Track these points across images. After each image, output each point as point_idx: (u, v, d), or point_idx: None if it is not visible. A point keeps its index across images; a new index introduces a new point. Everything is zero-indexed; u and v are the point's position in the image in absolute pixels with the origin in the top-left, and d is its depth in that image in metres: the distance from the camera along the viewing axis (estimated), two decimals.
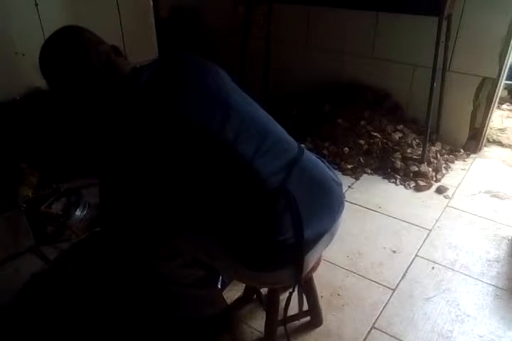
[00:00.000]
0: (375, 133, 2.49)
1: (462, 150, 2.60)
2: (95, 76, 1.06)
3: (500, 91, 2.51)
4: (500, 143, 2.71)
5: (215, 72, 1.15)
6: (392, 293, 1.66)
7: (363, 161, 2.46)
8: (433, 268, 1.78)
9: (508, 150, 2.66)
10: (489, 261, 1.82)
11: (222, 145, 1.04)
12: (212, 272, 1.37)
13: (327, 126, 2.61)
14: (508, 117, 2.89)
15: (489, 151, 2.65)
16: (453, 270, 1.77)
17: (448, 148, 2.60)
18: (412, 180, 2.34)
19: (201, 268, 1.29)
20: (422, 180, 2.31)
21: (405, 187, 2.33)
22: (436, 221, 2.06)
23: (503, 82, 2.45)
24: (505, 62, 2.30)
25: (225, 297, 1.51)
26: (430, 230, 2.00)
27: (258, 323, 1.52)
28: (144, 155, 1.05)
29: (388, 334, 1.50)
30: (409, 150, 2.42)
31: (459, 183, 2.35)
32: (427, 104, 2.25)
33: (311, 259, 1.17)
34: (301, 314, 1.39)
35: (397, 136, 2.49)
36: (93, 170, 1.61)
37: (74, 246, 1.78)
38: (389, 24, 2.49)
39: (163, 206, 1.12)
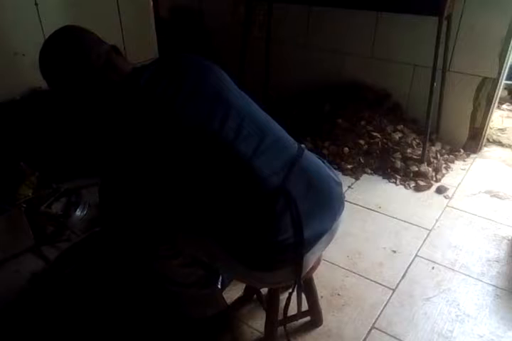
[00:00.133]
0: (375, 133, 2.49)
1: (462, 150, 2.60)
2: (95, 76, 1.07)
3: (500, 91, 2.51)
4: (500, 143, 2.71)
5: (216, 71, 1.16)
6: (392, 293, 1.66)
7: (363, 161, 2.46)
8: (433, 268, 1.78)
9: (508, 150, 2.66)
10: (489, 261, 1.82)
11: (222, 145, 1.04)
12: (212, 272, 1.37)
13: (327, 126, 2.61)
14: (508, 117, 2.88)
15: (489, 151, 2.65)
16: (453, 270, 1.77)
17: (448, 148, 2.60)
18: (412, 180, 2.34)
19: (201, 267, 1.29)
20: (422, 180, 2.31)
21: (405, 187, 2.33)
22: (436, 221, 2.06)
23: (503, 82, 2.45)
24: (505, 62, 2.30)
25: (225, 297, 1.50)
26: (430, 230, 2.00)
27: (258, 323, 1.52)
28: (144, 154, 1.05)
29: (388, 334, 1.50)
30: (409, 150, 2.42)
31: (459, 183, 2.35)
32: (427, 104, 2.25)
33: (310, 259, 1.17)
34: (300, 314, 1.38)
35: (397, 136, 2.48)
36: (93, 170, 1.61)
37: (74, 246, 1.78)
38: (389, 24, 2.49)
39: (163, 206, 1.12)
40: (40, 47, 1.09)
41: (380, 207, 2.16)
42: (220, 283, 1.59)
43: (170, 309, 1.41)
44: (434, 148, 2.51)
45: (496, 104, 2.54)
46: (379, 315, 1.57)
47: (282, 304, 1.30)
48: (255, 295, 1.59)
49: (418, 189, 2.29)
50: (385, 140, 2.48)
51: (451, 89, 2.48)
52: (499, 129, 2.77)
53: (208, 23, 3.24)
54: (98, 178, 1.26)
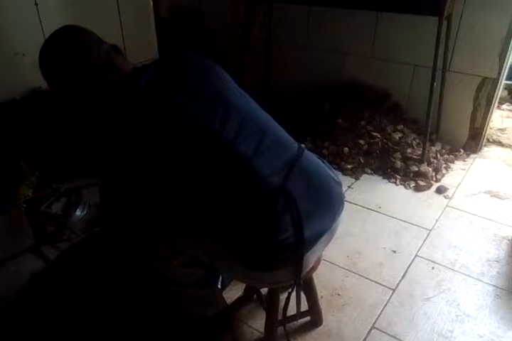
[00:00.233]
0: (375, 133, 2.49)
1: (462, 150, 2.60)
2: (95, 76, 1.07)
3: (500, 91, 2.51)
4: (500, 143, 2.71)
5: (217, 71, 1.15)
6: (392, 293, 1.66)
7: (363, 161, 2.46)
8: (433, 268, 1.78)
9: (508, 150, 2.66)
10: (489, 261, 1.82)
11: (222, 145, 1.04)
12: (212, 272, 1.37)
13: (327, 126, 2.61)
14: (508, 117, 2.89)
15: (489, 151, 2.65)
16: (453, 270, 1.77)
17: (448, 148, 2.60)
18: (412, 180, 2.34)
19: (201, 267, 1.29)
20: (422, 180, 2.31)
21: (405, 187, 2.33)
22: (436, 221, 2.06)
23: (503, 82, 2.45)
24: (505, 62, 2.30)
25: (225, 297, 1.50)
26: (430, 230, 2.00)
27: (258, 323, 1.52)
28: (144, 154, 1.05)
29: (388, 334, 1.50)
30: (409, 150, 2.42)
31: (459, 183, 2.35)
32: (427, 104, 2.25)
33: (311, 258, 1.17)
34: (299, 314, 1.38)
35: (397, 136, 2.48)
36: (94, 170, 1.61)
37: (74, 246, 1.78)
38: (389, 24, 2.49)
39: (163, 205, 1.12)
40: (40, 47, 1.09)
41: (380, 207, 2.16)
42: (220, 283, 1.59)
43: (170, 309, 1.41)
44: (434, 148, 2.51)
45: (496, 104, 2.54)
46: (379, 315, 1.57)
47: (282, 304, 1.30)
48: (255, 295, 1.59)
49: (418, 189, 2.29)
50: (385, 140, 2.48)
51: (451, 89, 2.48)
52: (499, 129, 2.77)
53: (208, 23, 3.24)
54: (98, 178, 1.26)
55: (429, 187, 2.30)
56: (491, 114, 2.51)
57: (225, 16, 3.10)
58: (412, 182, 2.33)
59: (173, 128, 1.03)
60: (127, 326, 1.50)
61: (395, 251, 1.87)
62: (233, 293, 1.63)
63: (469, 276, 1.74)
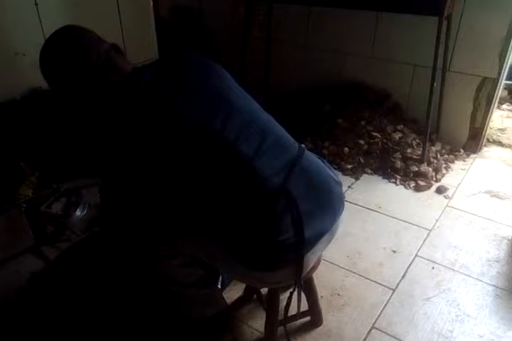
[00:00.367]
0: (375, 133, 2.49)
1: (462, 150, 2.60)
2: (95, 75, 1.06)
3: (500, 91, 2.51)
4: (500, 143, 2.71)
5: (219, 72, 1.15)
6: (392, 293, 1.66)
7: (363, 161, 2.46)
8: (433, 268, 1.78)
9: (508, 150, 2.66)
10: (489, 261, 1.82)
11: (223, 145, 1.04)
12: (212, 272, 1.37)
13: (327, 126, 2.61)
14: (508, 117, 2.89)
15: (489, 151, 2.65)
16: (453, 270, 1.77)
17: (448, 148, 2.60)
18: (412, 180, 2.34)
19: (201, 267, 1.29)
20: (422, 180, 2.31)
21: (405, 187, 2.33)
22: (436, 221, 2.06)
23: (503, 82, 2.45)
24: (505, 62, 2.30)
25: (225, 297, 1.50)
26: (430, 230, 2.00)
27: (258, 323, 1.52)
28: (144, 155, 1.05)
29: (388, 334, 1.50)
30: (409, 150, 2.42)
31: (459, 183, 2.35)
32: (427, 104, 2.25)
33: (311, 259, 1.17)
34: (300, 314, 1.38)
35: (397, 136, 2.48)
36: (94, 170, 1.61)
37: (74, 246, 1.78)
38: (389, 24, 2.49)
39: (164, 206, 1.12)
40: (41, 47, 1.09)
41: (380, 207, 2.16)
42: (220, 283, 1.59)
43: (170, 309, 1.41)
44: (434, 148, 2.51)
45: (496, 104, 2.54)
46: (379, 315, 1.57)
47: (282, 304, 1.30)
48: (255, 295, 1.59)
49: (418, 189, 2.29)
50: (385, 140, 2.48)
51: (451, 89, 2.48)
52: (499, 129, 2.77)
53: (208, 23, 3.24)
54: (98, 178, 1.26)
55: (429, 187, 2.30)
56: (491, 114, 2.51)
57: (225, 16, 3.10)
58: (412, 182, 2.33)
59: (173, 128, 1.03)
60: (127, 326, 1.50)
61: (395, 251, 1.87)
62: (233, 293, 1.63)
63: (469, 276, 1.74)
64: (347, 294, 1.66)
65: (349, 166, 2.44)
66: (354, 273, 1.76)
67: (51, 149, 2.09)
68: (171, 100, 1.04)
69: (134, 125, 1.04)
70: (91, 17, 2.22)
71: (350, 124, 2.56)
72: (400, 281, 1.72)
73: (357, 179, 2.40)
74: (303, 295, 1.32)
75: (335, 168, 2.37)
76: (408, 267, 1.79)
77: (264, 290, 1.50)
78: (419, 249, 1.88)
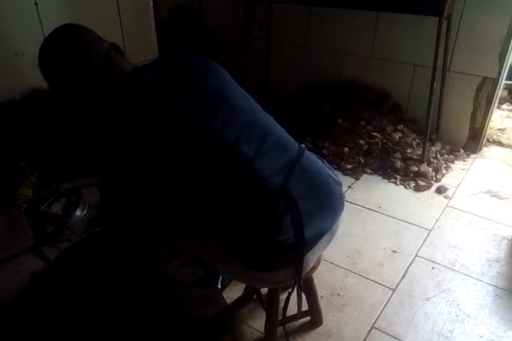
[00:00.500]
0: (375, 133, 2.49)
1: (462, 150, 2.60)
2: (94, 74, 1.06)
3: (500, 91, 2.51)
4: (500, 143, 2.71)
5: (218, 71, 1.15)
6: (392, 293, 1.66)
7: (363, 161, 2.46)
8: (433, 268, 1.78)
9: (508, 150, 2.66)
10: (489, 261, 1.82)
11: (223, 146, 1.04)
12: (212, 272, 1.37)
13: (327, 126, 2.61)
14: (508, 117, 2.89)
15: (489, 151, 2.65)
16: (453, 270, 1.77)
17: (448, 148, 2.60)
18: (412, 180, 2.34)
19: (201, 267, 1.29)
20: (422, 180, 2.31)
21: (405, 187, 2.33)
22: (436, 221, 2.06)
23: (503, 82, 2.45)
24: (505, 62, 2.30)
25: (225, 297, 1.50)
26: (430, 230, 2.00)
27: (258, 323, 1.52)
28: (144, 155, 1.05)
29: (388, 334, 1.50)
30: (409, 150, 2.42)
31: (459, 183, 2.35)
32: (427, 104, 2.25)
33: (311, 259, 1.17)
34: (300, 314, 1.39)
35: (397, 136, 2.48)
36: (94, 170, 1.61)
37: (74, 246, 1.78)
38: (389, 24, 2.49)
39: (164, 206, 1.12)
40: (40, 46, 1.09)
41: (380, 207, 2.16)
42: (220, 283, 1.59)
43: (170, 309, 1.41)
44: (434, 148, 2.51)
45: (496, 104, 2.54)
46: (379, 315, 1.57)
47: (282, 304, 1.30)
48: (255, 295, 1.59)
49: (418, 189, 2.29)
50: (385, 140, 2.48)
51: (451, 89, 2.48)
52: (499, 129, 2.77)
53: (208, 23, 3.24)
54: (98, 178, 1.26)
55: (429, 187, 2.30)
56: (491, 114, 2.51)
57: (225, 16, 3.10)
58: (412, 182, 2.33)
59: (173, 128, 1.03)
60: (127, 326, 1.50)
61: (395, 251, 1.87)
62: (233, 293, 1.63)
63: (469, 276, 1.74)
64: (347, 294, 1.66)
65: (349, 166, 2.44)
66: (354, 273, 1.76)
67: (51, 149, 2.09)
68: (171, 100, 1.04)
69: (134, 125, 1.04)
70: (91, 17, 2.21)
71: (350, 124, 2.56)
72: (400, 281, 1.72)
73: (357, 179, 2.40)
74: (303, 295, 1.32)
75: (335, 168, 2.37)
76: (408, 267, 1.79)
77: (264, 290, 1.50)
78: (419, 249, 1.88)
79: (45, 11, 2.09)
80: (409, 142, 2.46)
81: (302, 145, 1.21)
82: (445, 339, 1.48)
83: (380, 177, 2.41)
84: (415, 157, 2.40)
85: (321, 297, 1.57)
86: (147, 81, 1.06)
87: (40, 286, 1.66)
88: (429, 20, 2.12)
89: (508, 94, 3.05)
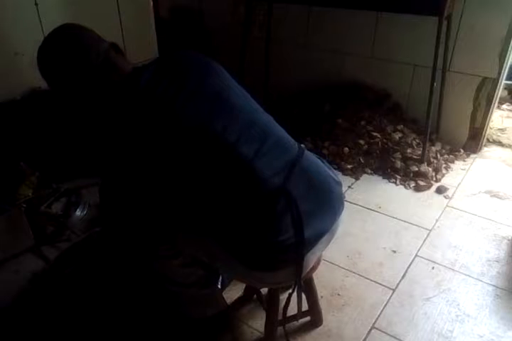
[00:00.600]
0: (375, 133, 2.49)
1: (462, 150, 2.60)
2: (94, 74, 1.06)
3: (500, 91, 2.51)
4: (500, 143, 2.71)
5: (217, 70, 1.15)
6: (392, 293, 1.66)
7: (363, 161, 2.46)
8: (433, 268, 1.78)
9: (508, 150, 2.66)
10: (489, 261, 1.82)
11: (224, 146, 1.04)
12: (212, 272, 1.37)
13: (327, 126, 2.61)
14: (508, 117, 2.88)
15: (489, 151, 2.65)
16: (453, 270, 1.77)
17: (448, 148, 2.60)
18: (412, 180, 2.34)
19: (201, 267, 1.29)
20: (422, 180, 2.31)
21: (405, 187, 2.33)
22: (436, 221, 2.06)
23: (503, 82, 2.45)
24: (505, 62, 2.30)
25: (225, 297, 1.50)
26: (430, 230, 2.00)
27: (258, 323, 1.52)
28: (144, 155, 1.05)
29: (388, 334, 1.50)
30: (409, 150, 2.42)
31: (459, 183, 2.35)
32: (427, 104, 2.25)
33: (311, 259, 1.17)
34: (300, 314, 1.38)
35: (397, 136, 2.48)
36: (94, 170, 1.61)
37: (74, 246, 1.78)
38: (389, 24, 2.49)
39: (164, 206, 1.12)
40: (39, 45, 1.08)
41: (380, 207, 2.16)
42: (220, 283, 1.59)
43: (170, 309, 1.41)
44: (434, 148, 2.51)
45: (496, 104, 2.54)
46: (379, 315, 1.57)
47: (282, 304, 1.30)
48: (255, 295, 1.59)
49: (418, 189, 2.29)
50: (385, 140, 2.48)
51: (451, 89, 2.48)
52: (499, 129, 2.77)
53: (208, 23, 3.24)
54: (98, 178, 1.26)
55: (429, 187, 2.30)
56: (491, 114, 2.51)
57: (225, 16, 3.10)
58: (412, 182, 2.33)
59: (173, 128, 1.03)
60: (127, 326, 1.49)
61: (395, 251, 1.87)
62: (233, 293, 1.63)
63: (469, 276, 1.74)
64: (347, 294, 1.66)
65: (349, 166, 2.44)
66: (354, 273, 1.76)
67: (51, 149, 2.09)
68: (171, 100, 1.04)
69: (133, 125, 1.04)
70: (91, 17, 2.21)
71: (350, 124, 2.56)
72: (400, 281, 1.72)
73: (357, 179, 2.40)
74: (303, 295, 1.32)
75: (335, 168, 2.38)
76: (408, 267, 1.79)
77: (264, 290, 1.50)
78: (419, 249, 1.88)
79: (45, 10, 2.09)
80: (409, 142, 2.46)
81: (302, 145, 1.21)
82: (445, 339, 1.48)
83: (380, 177, 2.41)
84: (415, 157, 2.40)
85: (321, 297, 1.57)
86: (147, 81, 1.06)
87: (40, 286, 1.66)
88: (429, 20, 2.12)
89: (508, 94, 3.05)
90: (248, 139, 1.07)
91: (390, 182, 2.37)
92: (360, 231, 1.99)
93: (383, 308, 1.60)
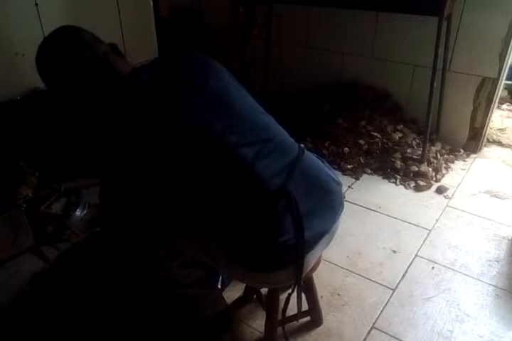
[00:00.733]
0: (375, 133, 2.49)
1: (462, 150, 2.60)
2: (90, 75, 1.05)
3: (500, 91, 2.51)
4: (500, 143, 2.71)
5: (218, 70, 1.15)
6: (392, 293, 1.66)
7: (363, 161, 2.46)
8: (433, 268, 1.78)
9: (508, 150, 2.66)
10: (489, 261, 1.82)
11: (224, 148, 1.04)
12: (212, 272, 1.37)
13: (327, 126, 2.61)
14: (508, 117, 2.88)
15: (489, 151, 2.65)
16: (453, 270, 1.77)
17: (448, 148, 2.60)
18: (412, 180, 2.34)
19: (201, 268, 1.29)
20: (422, 180, 2.31)
21: (405, 187, 2.33)
22: (437, 221, 2.06)
23: (503, 82, 2.45)
24: (505, 62, 2.30)
25: (225, 297, 1.50)
26: (430, 230, 2.00)
27: (258, 323, 1.52)
28: (144, 156, 1.05)
29: (388, 334, 1.50)
30: (409, 150, 2.42)
31: (459, 183, 2.35)
32: (427, 104, 2.25)
33: (311, 259, 1.17)
34: (300, 314, 1.38)
35: (397, 136, 2.49)
36: (94, 170, 1.61)
37: (74, 246, 1.78)
38: (389, 24, 2.49)
39: (164, 207, 1.11)
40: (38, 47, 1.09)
41: (380, 207, 2.16)
42: (220, 283, 1.59)
43: (170, 309, 1.41)
44: (434, 148, 2.51)
45: (496, 104, 2.54)
46: (379, 315, 1.57)
47: (282, 304, 1.30)
48: (255, 295, 1.59)
49: (418, 189, 2.29)
50: (385, 140, 2.48)
51: (451, 89, 2.48)
52: (499, 129, 2.77)
53: (208, 23, 3.24)
54: (98, 178, 1.26)
55: (429, 187, 2.30)
56: (491, 114, 2.50)
57: (225, 16, 3.10)
58: (412, 182, 2.33)
59: (172, 129, 1.03)
60: (127, 326, 1.49)
61: (395, 251, 1.87)
62: (233, 293, 1.63)
63: (469, 276, 1.74)
64: (347, 294, 1.66)
65: (349, 166, 2.44)
66: (354, 273, 1.76)
67: (51, 149, 2.09)
68: (171, 101, 1.04)
69: (133, 126, 1.04)
70: (91, 17, 2.22)
71: (350, 124, 2.56)
72: (400, 281, 1.72)
73: (357, 179, 2.40)
74: (303, 295, 1.32)
75: (335, 168, 2.38)
76: (408, 267, 1.79)
77: (264, 290, 1.50)
78: (419, 249, 1.88)
79: (45, 11, 2.09)
80: (409, 142, 2.46)
81: (302, 146, 1.20)
82: (445, 339, 1.49)
83: (380, 177, 2.41)
84: (415, 157, 2.40)
85: (321, 297, 1.57)
86: (146, 81, 1.05)
87: (40, 286, 1.66)
88: (429, 20, 2.12)
89: (508, 94, 3.05)
90: (249, 140, 1.06)
91: (390, 182, 2.37)
92: (360, 231, 1.99)
93: (383, 308, 1.60)
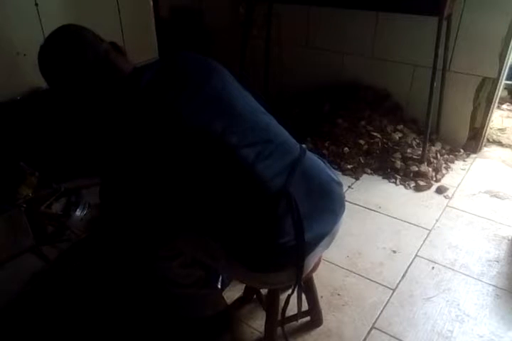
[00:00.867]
0: (375, 133, 2.49)
1: (462, 150, 2.60)
2: (93, 75, 1.06)
3: (500, 91, 2.51)
4: (500, 143, 2.71)
5: (218, 71, 1.15)
6: (392, 293, 1.66)
7: (363, 161, 2.46)
8: (433, 268, 1.78)
9: (508, 150, 2.66)
10: (489, 261, 1.82)
11: (224, 148, 1.04)
12: (212, 272, 1.37)
13: (327, 126, 2.61)
14: (508, 117, 2.88)
15: (489, 151, 2.65)
16: (453, 270, 1.77)
17: (448, 148, 2.60)
18: (412, 180, 2.34)
19: (201, 268, 1.29)
20: (422, 180, 2.31)
21: (405, 187, 2.33)
22: (437, 221, 2.06)
23: (503, 82, 2.45)
24: (505, 62, 2.30)
25: (225, 297, 1.50)
26: (430, 230, 2.00)
27: (258, 323, 1.52)
28: (145, 156, 1.05)
29: (388, 334, 1.50)
30: (409, 150, 2.42)
31: (459, 183, 2.35)
32: (427, 104, 2.25)
33: (311, 261, 1.17)
34: (300, 314, 1.38)
35: (397, 136, 2.49)
36: (94, 170, 1.61)
37: (74, 246, 1.78)
38: (389, 24, 2.49)
39: (164, 207, 1.11)
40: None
41: (380, 207, 2.16)
42: (220, 283, 1.59)
43: (170, 309, 1.41)
44: (434, 148, 2.51)
45: (496, 104, 2.54)
46: (379, 315, 1.57)
47: (282, 304, 1.30)
48: (255, 295, 1.59)
49: (418, 189, 2.29)
50: (385, 140, 2.48)
51: (451, 89, 2.48)
52: (499, 129, 2.77)
53: (208, 23, 3.24)
54: (98, 178, 1.26)
55: (429, 187, 2.30)
56: (491, 114, 2.51)
57: (225, 16, 3.10)
58: (412, 182, 2.33)
59: (173, 129, 1.03)
60: (127, 326, 1.49)
61: (395, 251, 1.87)
62: (233, 293, 1.63)
63: (469, 276, 1.74)
64: (347, 294, 1.66)
65: (349, 166, 2.44)
66: (354, 273, 1.76)
67: (51, 149, 2.09)
68: (172, 101, 1.04)
69: (134, 125, 1.04)
70: (91, 17, 2.22)
71: (350, 124, 2.56)
72: (400, 281, 1.72)
73: (357, 179, 2.40)
74: (303, 295, 1.32)
75: (335, 168, 2.38)
76: (408, 267, 1.79)
77: (264, 291, 1.50)
78: (419, 249, 1.88)
79: (45, 11, 2.09)
80: (409, 142, 2.46)
81: (303, 146, 1.20)
82: (445, 339, 1.49)
83: (380, 177, 2.41)
84: (415, 157, 2.40)
85: (321, 297, 1.57)
86: (148, 81, 1.06)
87: (41, 286, 1.66)
88: (429, 20, 2.12)
89: (508, 94, 3.05)
90: (250, 141, 1.06)
91: (390, 182, 2.37)
92: (360, 231, 1.99)
93: (383, 308, 1.60)
